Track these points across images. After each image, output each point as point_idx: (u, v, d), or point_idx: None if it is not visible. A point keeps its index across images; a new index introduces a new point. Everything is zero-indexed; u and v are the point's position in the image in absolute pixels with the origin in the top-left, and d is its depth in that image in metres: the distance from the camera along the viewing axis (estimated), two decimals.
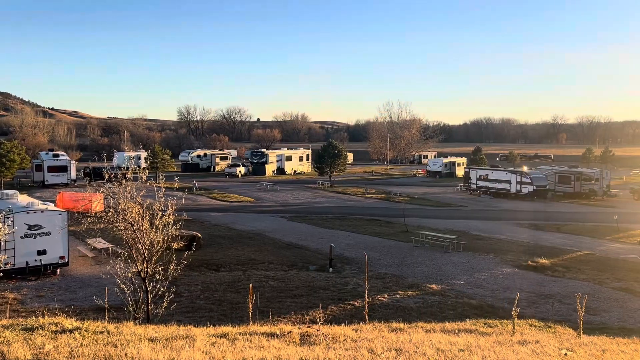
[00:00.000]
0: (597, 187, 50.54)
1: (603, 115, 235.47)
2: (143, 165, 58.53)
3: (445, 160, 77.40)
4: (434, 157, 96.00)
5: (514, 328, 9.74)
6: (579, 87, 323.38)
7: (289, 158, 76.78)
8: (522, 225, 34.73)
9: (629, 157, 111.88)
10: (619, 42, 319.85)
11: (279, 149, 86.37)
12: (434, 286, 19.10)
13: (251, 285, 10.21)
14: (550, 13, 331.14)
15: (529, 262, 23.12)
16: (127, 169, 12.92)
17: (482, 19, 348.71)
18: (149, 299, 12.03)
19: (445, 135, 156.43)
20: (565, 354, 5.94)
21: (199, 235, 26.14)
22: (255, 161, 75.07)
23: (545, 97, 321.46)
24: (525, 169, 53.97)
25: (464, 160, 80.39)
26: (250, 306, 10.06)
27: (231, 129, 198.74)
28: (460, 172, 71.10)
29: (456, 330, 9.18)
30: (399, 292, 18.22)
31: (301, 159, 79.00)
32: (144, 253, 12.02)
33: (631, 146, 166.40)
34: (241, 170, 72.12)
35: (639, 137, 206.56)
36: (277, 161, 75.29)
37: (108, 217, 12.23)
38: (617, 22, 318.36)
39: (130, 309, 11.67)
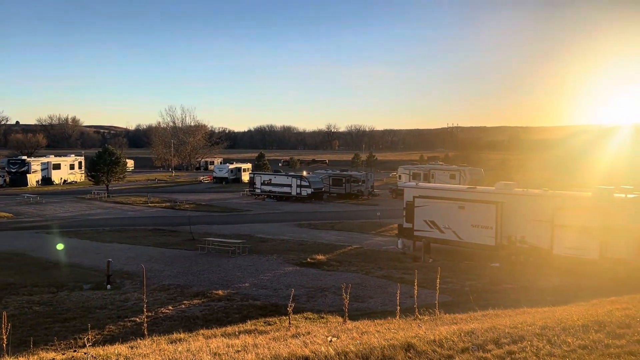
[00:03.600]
0: (364, 188, 57.02)
1: (368, 125, 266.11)
2: None
3: (232, 166, 78.51)
4: (220, 163, 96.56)
5: (289, 323, 10.33)
6: (348, 99, 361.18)
7: (56, 166, 68.75)
8: (303, 226, 37.17)
9: (388, 161, 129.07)
10: (380, 62, 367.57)
11: (45, 156, 76.71)
12: (220, 292, 19.09)
13: (5, 313, 8.74)
14: (324, 31, 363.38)
15: (308, 259, 24.82)
16: None
17: (268, 32, 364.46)
18: None
19: (231, 141, 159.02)
20: (331, 340, 6.52)
21: None
22: (13, 170, 65.16)
23: (321, 107, 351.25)
24: (304, 173, 57.99)
25: (249, 165, 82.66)
26: (5, 337, 8.62)
27: None
28: (245, 177, 72.86)
29: (237, 333, 9.31)
30: (185, 302, 17.75)
31: (72, 167, 71.48)
32: None
33: (390, 152, 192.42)
34: None
35: (396, 144, 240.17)
36: (42, 170, 66.74)
37: None
38: (378, 44, 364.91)
39: None
